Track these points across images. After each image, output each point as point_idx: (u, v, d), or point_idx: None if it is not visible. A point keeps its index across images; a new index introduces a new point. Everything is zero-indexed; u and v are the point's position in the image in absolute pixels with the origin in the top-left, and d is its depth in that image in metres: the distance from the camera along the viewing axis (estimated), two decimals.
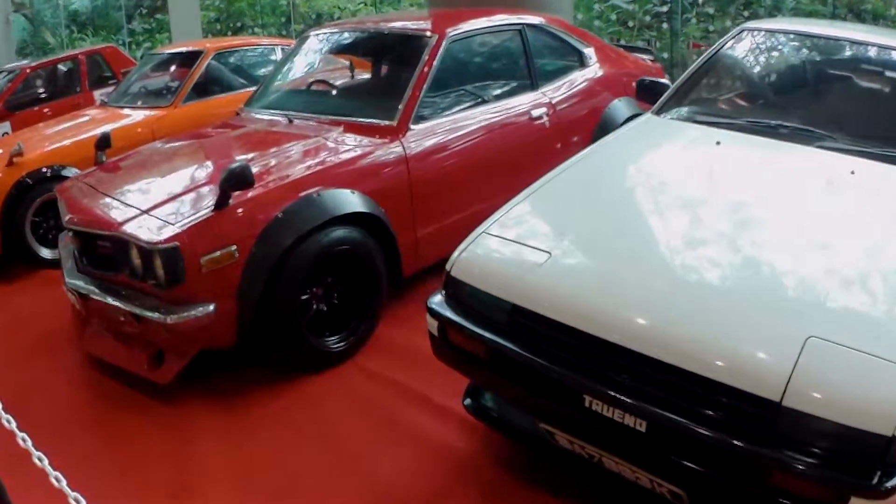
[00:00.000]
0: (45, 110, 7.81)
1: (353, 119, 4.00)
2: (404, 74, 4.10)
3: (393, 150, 3.79)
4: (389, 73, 4.75)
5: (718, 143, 3.11)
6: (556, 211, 2.78)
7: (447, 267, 2.58)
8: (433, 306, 2.58)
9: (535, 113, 4.48)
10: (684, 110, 3.49)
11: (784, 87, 3.81)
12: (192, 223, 3.13)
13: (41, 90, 8.38)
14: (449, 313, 2.50)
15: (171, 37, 12.57)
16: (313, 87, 4.82)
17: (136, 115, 5.90)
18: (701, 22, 11.41)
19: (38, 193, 5.24)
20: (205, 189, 3.43)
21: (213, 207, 3.18)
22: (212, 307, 3.13)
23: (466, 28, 4.35)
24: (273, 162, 3.60)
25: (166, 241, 3.06)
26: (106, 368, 3.71)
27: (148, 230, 3.17)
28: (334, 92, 4.77)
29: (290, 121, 4.21)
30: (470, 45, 4.48)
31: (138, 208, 3.38)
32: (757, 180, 2.82)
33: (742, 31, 3.87)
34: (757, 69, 3.95)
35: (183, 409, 3.37)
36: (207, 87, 6.15)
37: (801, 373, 1.90)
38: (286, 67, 5.00)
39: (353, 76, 5.05)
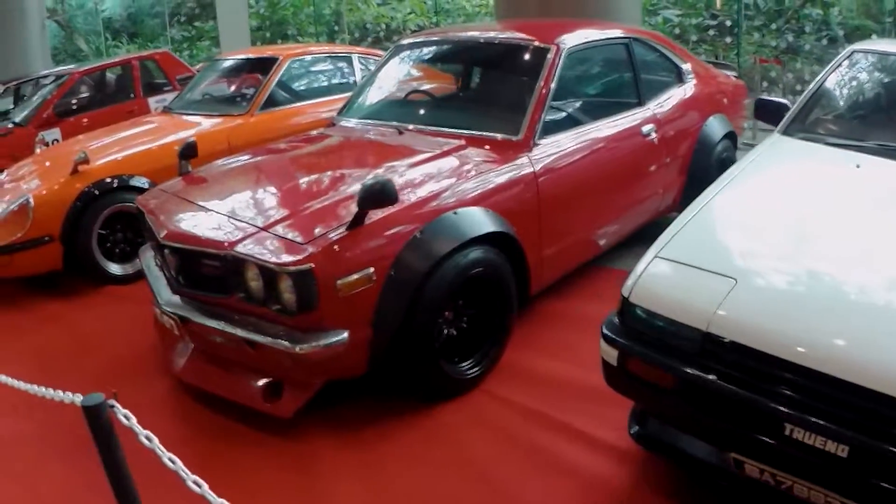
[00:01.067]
0: (96, 117, 7.45)
1: (472, 132, 3.77)
2: (520, 87, 3.91)
3: (520, 165, 3.56)
4: (501, 84, 4.43)
5: (858, 166, 3.11)
6: (727, 233, 2.75)
7: (624, 293, 2.48)
8: (611, 334, 2.47)
9: (645, 129, 4.29)
10: (810, 131, 3.53)
11: None
12: (327, 243, 2.81)
13: (91, 96, 8.04)
14: (630, 343, 2.41)
15: (212, 45, 12.30)
16: (414, 98, 4.55)
17: (208, 123, 5.54)
18: (763, 35, 11.10)
19: (106, 204, 4.87)
20: (328, 205, 3.12)
21: (347, 226, 2.87)
22: (345, 335, 2.82)
23: (582, 40, 4.15)
24: (402, 176, 3.29)
25: (299, 262, 2.73)
26: (203, 399, 3.36)
27: (273, 250, 2.85)
28: (443, 103, 4.51)
29: (400, 132, 3.96)
30: (583, 57, 4.27)
31: (254, 225, 3.06)
32: None
33: (852, 52, 3.89)
34: (871, 91, 3.91)
35: (303, 443, 3.04)
36: (281, 95, 5.77)
37: None
38: (380, 76, 4.73)
39: (458, 87, 4.76)
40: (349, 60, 6.39)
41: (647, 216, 4.51)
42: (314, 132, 4.44)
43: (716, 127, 4.85)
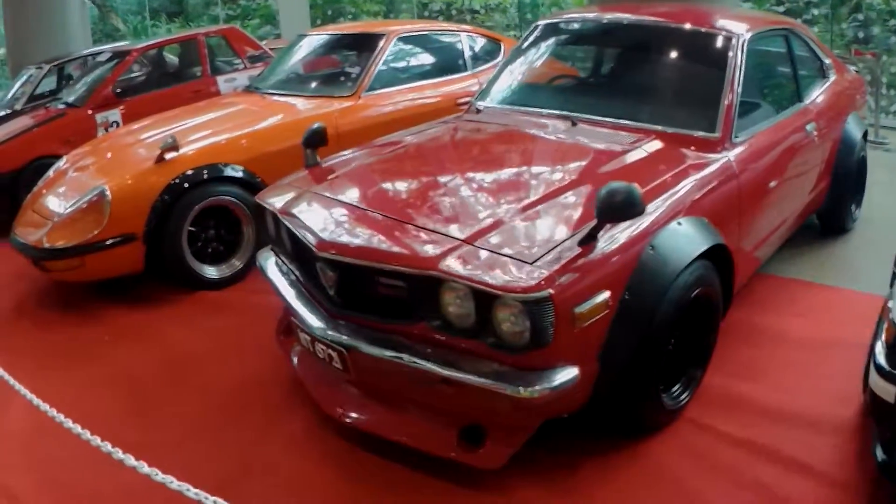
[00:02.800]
0: (159, 98, 6.74)
1: (658, 127, 3.27)
2: (704, 78, 3.50)
3: (723, 166, 3.11)
4: (677, 74, 3.79)
5: None
6: None
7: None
8: (890, 369, 2.14)
9: (808, 127, 3.90)
10: None
11: None
12: (563, 263, 2.30)
13: (153, 75, 7.33)
14: None
15: (262, 23, 11.55)
16: (569, 83, 4.07)
17: (308, 106, 4.81)
18: (857, 26, 10.40)
19: (198, 198, 4.16)
20: (537, 212, 2.61)
21: (578, 241, 2.38)
22: (576, 372, 2.31)
23: (761, 30, 3.74)
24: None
25: (534, 287, 2.19)
26: (356, 439, 2.76)
27: (492, 270, 2.29)
28: (606, 91, 3.95)
29: (574, 123, 3.39)
30: (756, 48, 3.74)
31: (453, 236, 2.45)
32: None
33: None
34: None
35: (504, 494, 2.51)
36: (388, 75, 5.04)
37: None
38: (524, 58, 4.11)
39: (617, 74, 4.14)
40: (458, 39, 5.66)
41: (802, 219, 4.18)
42: (453, 118, 3.82)
43: (854, 125, 4.51)
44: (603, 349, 2.40)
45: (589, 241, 2.36)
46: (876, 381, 2.22)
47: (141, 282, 4.26)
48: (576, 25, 4.25)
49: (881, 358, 2.22)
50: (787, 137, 3.64)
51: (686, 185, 2.86)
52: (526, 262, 2.28)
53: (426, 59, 5.60)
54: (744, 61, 3.39)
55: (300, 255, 2.88)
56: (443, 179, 3.03)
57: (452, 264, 2.33)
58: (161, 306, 4.13)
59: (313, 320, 2.68)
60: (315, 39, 5.71)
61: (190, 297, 4.20)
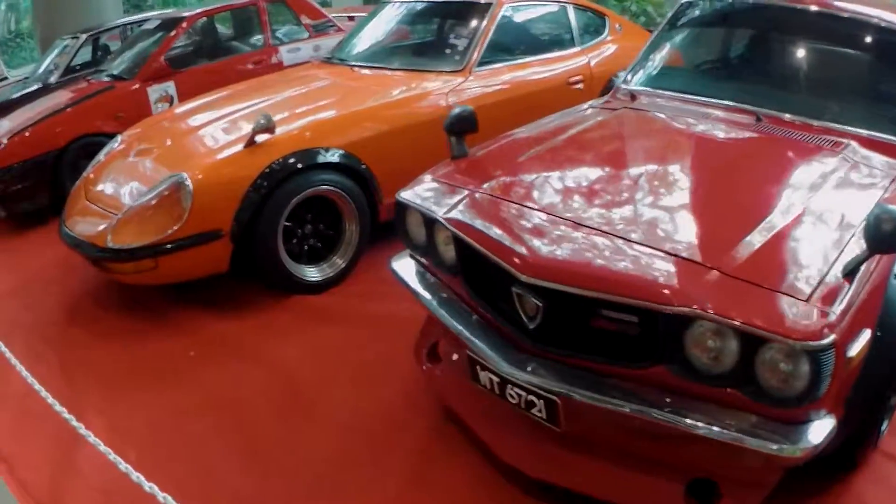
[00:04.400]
0: (217, 69, 6.14)
1: (858, 131, 2.78)
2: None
3: None
4: (869, 72, 3.25)
5: None
6: None
7: None
8: None
9: None
10: None
11: None
12: (842, 302, 1.89)
13: (208, 43, 6.71)
14: None
15: None
16: (739, 71, 3.53)
17: (413, 82, 4.17)
18: None
19: (297, 189, 3.57)
20: (781, 233, 2.13)
21: (842, 271, 1.97)
22: (834, 423, 1.96)
23: None
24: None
25: (818, 333, 1.79)
26: (542, 496, 2.28)
27: (758, 308, 1.87)
28: (783, 84, 3.31)
29: (759, 118, 2.93)
30: None
31: (697, 262, 2.02)
32: None
33: None
34: None
35: None
36: (497, 48, 4.43)
37: None
38: (676, 37, 3.58)
39: (792, 65, 3.46)
40: (565, 11, 5.02)
41: None
42: (602, 103, 3.30)
43: None
44: (852, 391, 2.06)
45: (854, 272, 1.97)
46: None
47: (219, 281, 3.67)
48: (735, 7, 3.66)
49: None
50: None
51: None
52: (800, 300, 1.87)
53: (534, 31, 5.00)
54: None
55: (480, 275, 2.33)
56: (644, 184, 2.51)
57: (714, 300, 1.89)
58: (252, 313, 3.56)
59: (504, 358, 2.16)
60: (406, 5, 5.08)
61: (284, 303, 3.62)
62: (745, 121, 2.92)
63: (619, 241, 2.13)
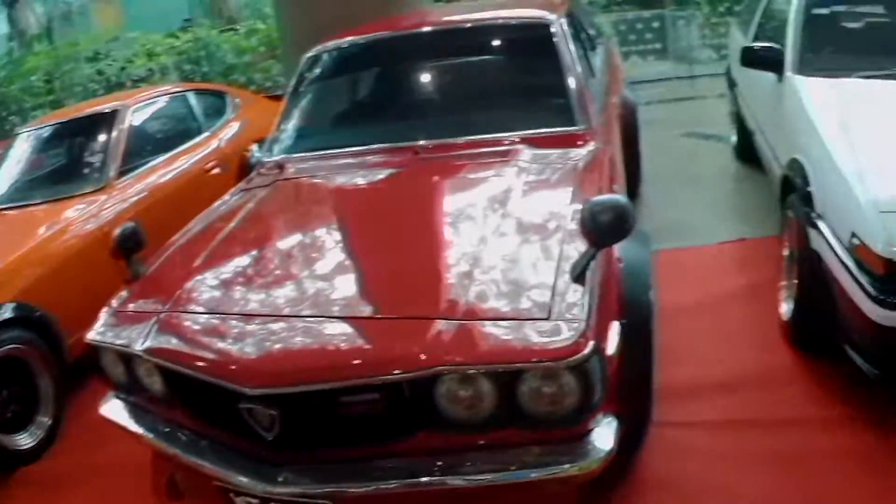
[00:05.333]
0: None
1: (528, 132, 2.97)
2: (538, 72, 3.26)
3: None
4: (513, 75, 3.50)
5: None
6: None
7: None
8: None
9: None
10: None
11: None
12: (583, 307, 1.94)
13: None
14: None
15: None
16: (376, 111, 3.57)
17: (57, 214, 4.00)
18: None
19: None
20: (492, 260, 2.18)
21: (572, 276, 2.02)
22: (615, 423, 2.02)
23: None
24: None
25: (574, 347, 1.84)
26: None
27: (504, 343, 1.92)
28: (431, 110, 3.47)
29: (416, 152, 3.04)
30: None
31: (425, 317, 2.02)
32: None
33: None
34: None
35: None
36: (133, 155, 4.47)
37: None
38: (307, 98, 3.66)
39: (414, 90, 3.64)
40: (185, 98, 5.14)
41: None
42: (255, 184, 3.20)
43: None
44: (621, 385, 2.10)
45: (583, 272, 1.99)
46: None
47: None
48: (350, 50, 3.66)
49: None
50: None
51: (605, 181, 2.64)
52: (541, 319, 1.88)
53: (165, 128, 4.99)
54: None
55: (196, 398, 2.21)
56: (329, 255, 2.48)
57: (450, 350, 1.86)
58: None
59: (255, 477, 2.03)
60: (35, 132, 4.84)
61: (6, 482, 3.25)
62: (404, 158, 2.91)
63: (330, 322, 2.06)
